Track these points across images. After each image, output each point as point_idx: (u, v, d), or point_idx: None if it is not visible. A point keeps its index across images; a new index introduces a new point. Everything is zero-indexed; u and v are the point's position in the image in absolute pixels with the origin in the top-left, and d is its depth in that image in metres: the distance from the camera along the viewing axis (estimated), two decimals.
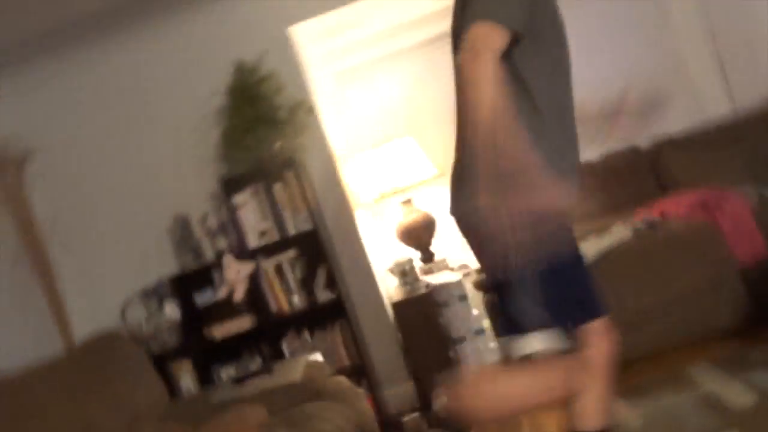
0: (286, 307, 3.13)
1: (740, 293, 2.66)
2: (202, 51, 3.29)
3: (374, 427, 2.47)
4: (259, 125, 3.08)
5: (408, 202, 3.48)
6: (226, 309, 3.12)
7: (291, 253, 3.15)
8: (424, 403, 3.08)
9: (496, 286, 1.51)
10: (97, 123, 3.35)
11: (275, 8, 3.26)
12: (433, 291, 2.98)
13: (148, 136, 3.33)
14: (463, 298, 2.90)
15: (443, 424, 2.84)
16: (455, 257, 3.45)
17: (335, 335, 3.15)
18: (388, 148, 3.50)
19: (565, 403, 1.53)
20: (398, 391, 3.28)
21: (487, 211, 1.35)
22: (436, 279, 3.05)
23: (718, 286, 2.67)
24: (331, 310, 3.09)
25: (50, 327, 3.02)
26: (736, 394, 2.21)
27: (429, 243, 3.48)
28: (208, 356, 3.14)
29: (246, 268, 3.10)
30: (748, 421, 2.03)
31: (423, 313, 3.10)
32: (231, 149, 3.16)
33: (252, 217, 3.12)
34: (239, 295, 3.08)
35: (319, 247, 3.08)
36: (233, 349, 3.17)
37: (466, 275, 3.01)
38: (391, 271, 3.42)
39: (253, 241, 3.11)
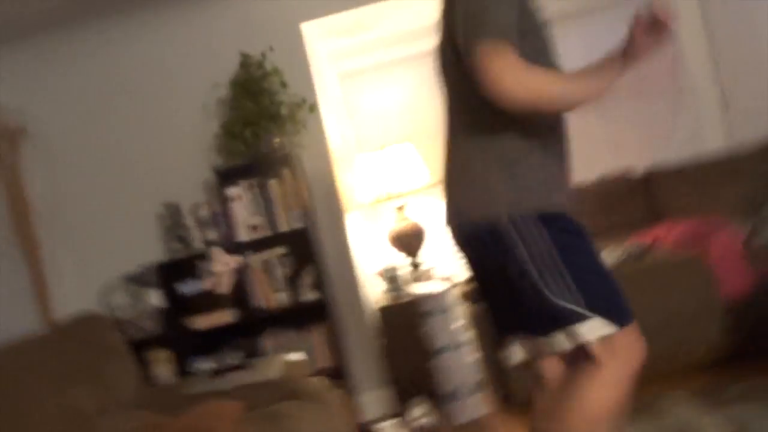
0: (270, 303, 3.11)
1: (722, 326, 2.67)
2: (209, 41, 3.28)
3: (350, 431, 2.46)
4: (260, 119, 3.07)
5: (402, 208, 3.48)
6: (209, 301, 3.10)
7: (280, 250, 3.13)
8: (401, 410, 3.07)
9: (510, 289, 1.46)
10: (96, 104, 3.32)
11: (287, 4, 3.26)
12: (417, 300, 2.98)
13: (147, 121, 3.31)
14: (446, 309, 2.91)
15: None
16: (442, 268, 3.45)
17: (317, 336, 3.14)
18: (388, 152, 3.50)
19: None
20: (376, 396, 3.27)
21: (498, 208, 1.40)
22: (421, 288, 3.05)
23: (701, 318, 2.68)
24: (315, 310, 3.07)
25: (33, 305, 2.99)
26: (714, 426, 2.22)
27: (418, 251, 3.48)
28: (187, 347, 3.12)
29: (233, 261, 3.08)
30: None
31: (406, 321, 3.10)
32: (229, 141, 3.15)
33: (244, 210, 3.11)
34: (224, 287, 3.07)
35: (309, 246, 3.07)
36: (214, 341, 3.15)
37: (451, 287, 3.01)
38: (380, 275, 3.41)
39: (243, 235, 3.09)
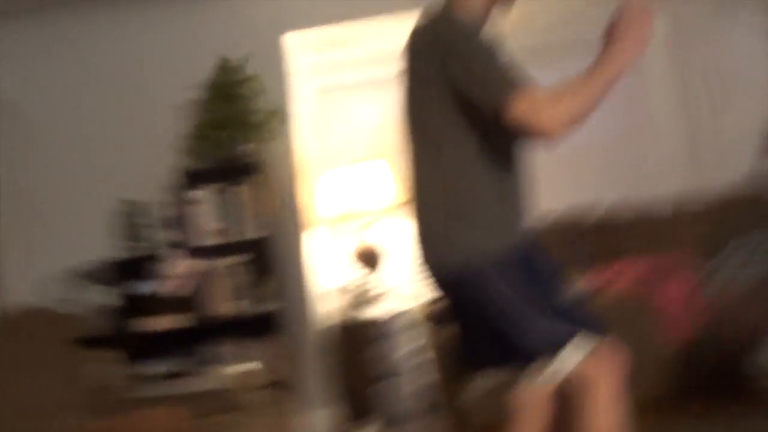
0: (226, 310, 3.07)
1: (668, 369, 2.73)
2: (189, 41, 3.26)
3: None
4: (232, 124, 3.05)
5: (367, 225, 3.49)
6: (164, 303, 3.04)
7: (241, 258, 3.10)
8: (352, 429, 3.05)
9: (488, 327, 1.52)
10: (71, 90, 3.28)
11: (272, 12, 3.26)
12: (371, 321, 2.98)
13: (119, 114, 3.26)
14: (397, 334, 2.92)
15: None
16: (402, 289, 3.45)
17: (272, 347, 3.10)
18: (359, 168, 3.51)
19: None
20: (328, 414, 3.23)
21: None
22: (377, 309, 3.06)
23: (647, 361, 2.74)
24: (273, 321, 3.04)
25: None
26: None
27: (379, 270, 3.48)
28: (137, 349, 3.04)
29: (193, 264, 3.04)
30: None
31: (359, 341, 3.10)
32: (199, 143, 3.12)
33: (208, 215, 3.07)
34: (181, 290, 3.02)
35: (271, 256, 3.04)
36: (165, 345, 3.08)
37: (406, 311, 3.02)
38: (339, 292, 3.40)
39: (205, 239, 3.06)
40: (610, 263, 3.25)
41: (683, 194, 3.56)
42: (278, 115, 3.16)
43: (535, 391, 1.66)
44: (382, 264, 3.47)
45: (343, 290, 3.34)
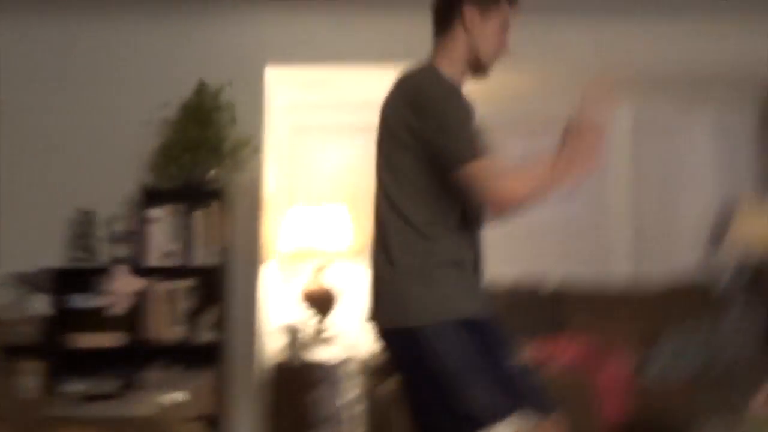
0: (164, 335, 2.97)
1: None
2: (171, 60, 3.26)
3: None
4: (201, 148, 3.04)
5: (321, 268, 3.46)
6: (99, 319, 2.94)
7: (188, 283, 3.03)
8: None
9: (429, 391, 1.49)
10: (42, 93, 3.22)
11: (257, 43, 3.30)
12: (312, 365, 2.93)
13: (87, 121, 3.21)
14: (337, 381, 2.87)
15: None
16: (347, 336, 3.41)
17: (204, 379, 3.00)
18: (321, 210, 3.51)
19: None
20: None
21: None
22: (319, 353, 3.01)
23: None
24: (209, 352, 2.96)
25: None
26: None
27: (328, 314, 3.44)
28: (63, 363, 2.91)
29: (136, 283, 2.96)
30: None
31: (298, 384, 3.03)
32: (164, 162, 3.08)
33: (162, 235, 3.01)
34: (119, 309, 2.92)
35: (219, 285, 2.98)
36: (93, 363, 2.95)
37: (349, 359, 2.98)
38: (283, 331, 3.34)
39: (154, 260, 2.99)
40: (557, 335, 3.29)
41: (630, 277, 3.67)
42: (248, 146, 3.15)
43: None
44: (334, 307, 3.44)
45: (292, 329, 3.28)
